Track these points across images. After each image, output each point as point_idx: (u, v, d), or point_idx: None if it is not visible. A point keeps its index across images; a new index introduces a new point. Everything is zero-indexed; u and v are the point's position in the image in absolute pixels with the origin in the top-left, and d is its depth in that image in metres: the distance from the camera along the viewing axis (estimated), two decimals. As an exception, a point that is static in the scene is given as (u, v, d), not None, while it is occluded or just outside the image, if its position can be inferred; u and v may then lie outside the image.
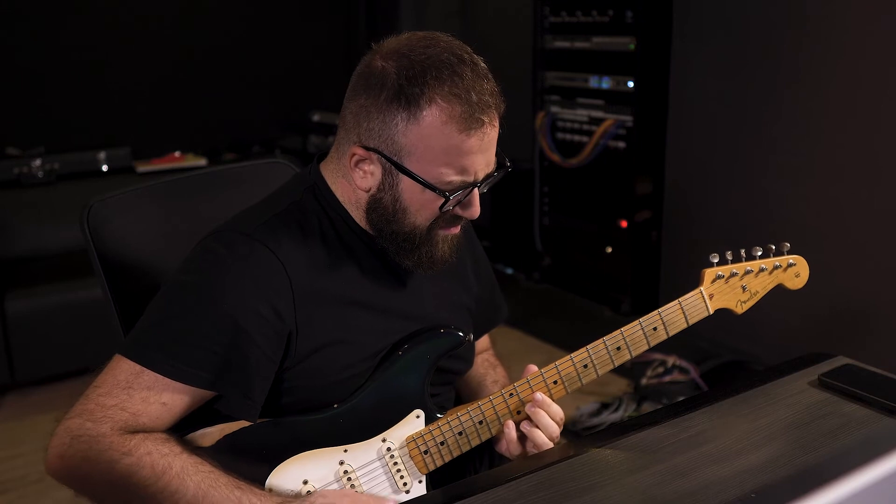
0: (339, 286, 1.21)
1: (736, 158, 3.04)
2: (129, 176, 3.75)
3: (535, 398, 1.22)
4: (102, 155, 3.76)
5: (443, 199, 1.15)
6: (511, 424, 1.24)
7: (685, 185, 3.27)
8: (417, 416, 1.24)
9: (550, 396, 1.24)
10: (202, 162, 3.93)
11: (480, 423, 1.24)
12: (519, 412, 1.25)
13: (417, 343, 1.24)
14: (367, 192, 1.19)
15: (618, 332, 1.24)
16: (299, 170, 1.40)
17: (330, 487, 1.19)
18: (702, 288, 1.26)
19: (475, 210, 1.19)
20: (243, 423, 1.16)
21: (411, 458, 1.23)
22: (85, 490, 1.09)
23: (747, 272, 1.26)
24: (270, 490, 1.15)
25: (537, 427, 1.23)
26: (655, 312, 1.24)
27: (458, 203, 1.17)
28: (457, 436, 1.24)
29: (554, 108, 3.60)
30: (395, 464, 1.22)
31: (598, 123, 3.38)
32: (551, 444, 1.24)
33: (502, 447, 1.28)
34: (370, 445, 1.21)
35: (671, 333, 1.25)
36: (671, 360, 2.99)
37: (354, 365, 1.21)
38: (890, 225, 2.58)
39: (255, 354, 1.13)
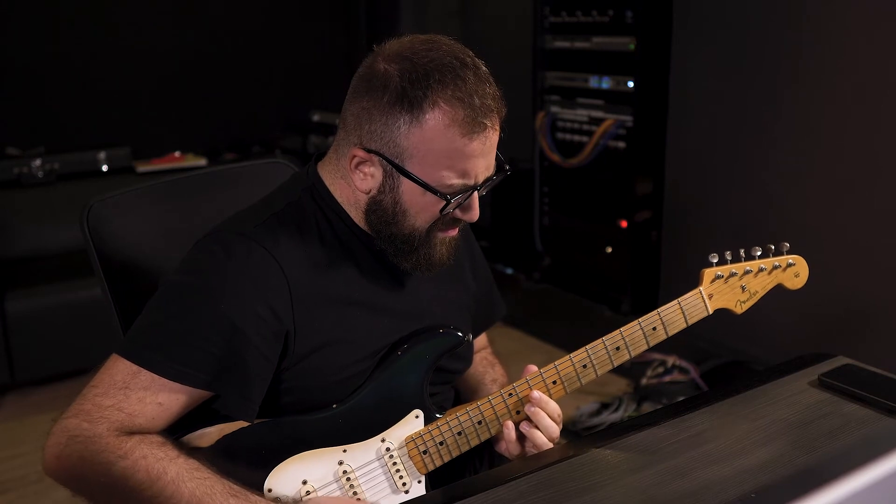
0: (338, 286, 1.21)
1: (736, 158, 3.04)
2: (129, 176, 3.75)
3: (532, 396, 1.22)
4: (102, 155, 3.76)
5: (443, 202, 1.15)
6: (510, 425, 1.24)
7: (685, 185, 3.27)
8: (416, 416, 1.24)
9: (549, 396, 1.24)
10: (202, 162, 3.93)
11: (479, 423, 1.24)
12: (518, 412, 1.25)
13: (416, 343, 1.24)
14: (367, 193, 1.19)
15: (617, 332, 1.24)
16: (299, 170, 1.40)
17: (329, 487, 1.19)
18: (701, 288, 1.26)
19: (474, 213, 1.19)
20: (242, 424, 1.16)
21: (410, 458, 1.23)
22: (81, 490, 1.09)
23: (747, 272, 1.26)
24: (269, 490, 1.15)
25: (537, 427, 1.23)
26: (655, 312, 1.24)
27: (459, 206, 1.17)
28: (456, 436, 1.24)
29: (554, 108, 3.60)
30: (395, 464, 1.22)
31: (598, 123, 3.38)
32: (551, 445, 1.24)
33: (502, 447, 1.28)
34: (369, 445, 1.21)
35: (671, 333, 1.25)
36: (671, 360, 2.99)
37: (353, 365, 1.21)
38: (890, 225, 2.58)
39: (252, 355, 1.13)
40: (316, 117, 4.27)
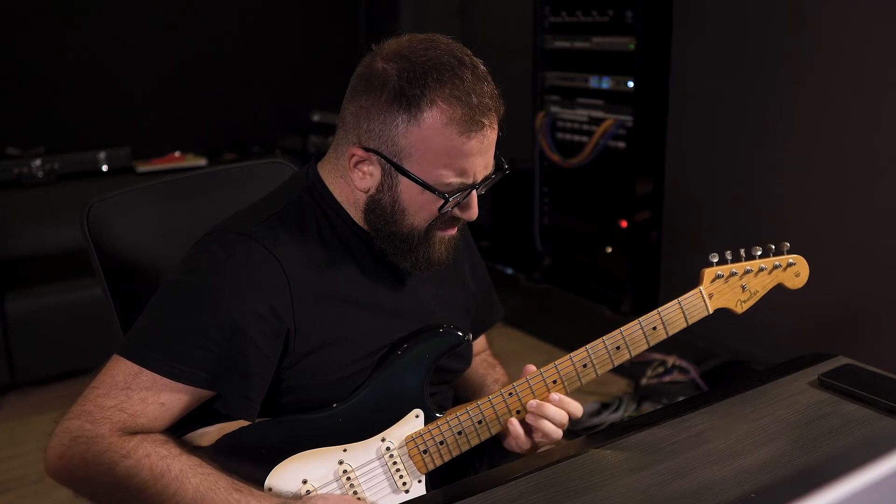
0: (338, 285, 1.21)
1: (736, 158, 3.04)
2: (129, 176, 3.75)
3: (529, 406, 1.22)
4: (102, 155, 3.76)
5: (442, 201, 1.15)
6: (514, 421, 1.24)
7: (685, 185, 3.27)
8: (417, 416, 1.24)
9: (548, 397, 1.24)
10: (202, 162, 3.93)
11: (480, 422, 1.24)
12: (518, 412, 1.25)
13: (417, 342, 1.24)
14: (366, 192, 1.19)
15: (617, 331, 1.24)
16: (299, 170, 1.40)
17: (329, 487, 1.19)
18: (701, 287, 1.26)
19: (473, 212, 1.19)
20: (242, 423, 1.16)
21: (410, 457, 1.23)
22: (84, 491, 1.09)
23: (747, 272, 1.26)
24: (270, 490, 1.15)
25: (544, 417, 1.23)
26: (655, 312, 1.24)
27: (457, 205, 1.18)
28: (456, 435, 1.24)
29: (554, 108, 3.60)
30: (395, 463, 1.22)
31: (598, 123, 3.38)
32: (560, 434, 1.24)
33: (512, 444, 1.28)
34: (369, 445, 1.21)
35: (671, 333, 1.25)
36: (671, 360, 2.99)
37: (353, 364, 1.21)
38: (890, 225, 2.58)
39: (253, 354, 1.13)
40: (316, 117, 4.27)
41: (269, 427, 1.18)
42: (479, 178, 1.17)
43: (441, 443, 1.23)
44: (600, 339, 1.24)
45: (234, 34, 4.27)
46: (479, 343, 1.51)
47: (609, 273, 3.50)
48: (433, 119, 1.11)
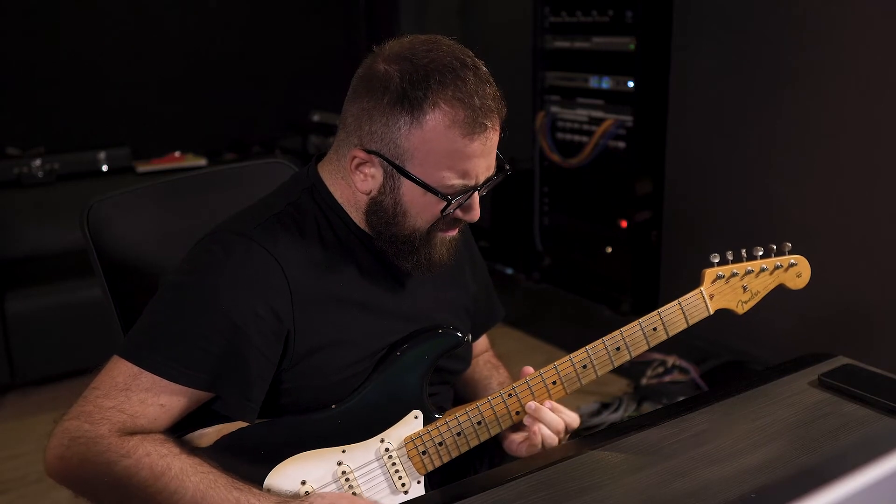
0: (338, 286, 1.21)
1: (736, 158, 3.04)
2: (129, 176, 3.75)
3: (528, 408, 1.23)
4: (102, 155, 3.76)
5: (444, 203, 1.15)
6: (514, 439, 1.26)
7: (685, 185, 3.27)
8: (416, 417, 1.24)
9: (549, 397, 1.24)
10: (202, 162, 3.93)
11: (479, 423, 1.24)
12: (518, 413, 1.25)
13: (416, 343, 1.24)
14: (368, 194, 1.19)
15: (617, 332, 1.24)
16: (299, 170, 1.40)
17: (328, 488, 1.18)
18: (702, 288, 1.25)
19: (475, 213, 1.19)
20: (241, 424, 1.16)
21: (409, 458, 1.23)
22: (84, 491, 1.09)
23: (748, 272, 1.26)
24: (268, 491, 1.15)
25: (540, 422, 1.23)
26: (655, 313, 1.24)
27: (459, 206, 1.17)
28: (455, 436, 1.24)
29: (554, 108, 3.60)
30: (394, 464, 1.22)
31: (598, 123, 3.38)
32: (556, 440, 1.24)
33: (513, 447, 1.28)
34: (368, 446, 1.21)
35: (671, 334, 1.25)
36: (671, 360, 2.99)
37: (353, 365, 1.21)
38: (890, 225, 2.58)
39: (253, 355, 1.12)
40: (316, 117, 4.27)
41: (268, 428, 1.18)
42: (482, 179, 1.17)
43: (440, 444, 1.23)
44: (600, 340, 1.24)
45: (234, 34, 4.27)
46: (482, 343, 1.51)
47: (609, 273, 3.50)
48: (436, 121, 1.11)
